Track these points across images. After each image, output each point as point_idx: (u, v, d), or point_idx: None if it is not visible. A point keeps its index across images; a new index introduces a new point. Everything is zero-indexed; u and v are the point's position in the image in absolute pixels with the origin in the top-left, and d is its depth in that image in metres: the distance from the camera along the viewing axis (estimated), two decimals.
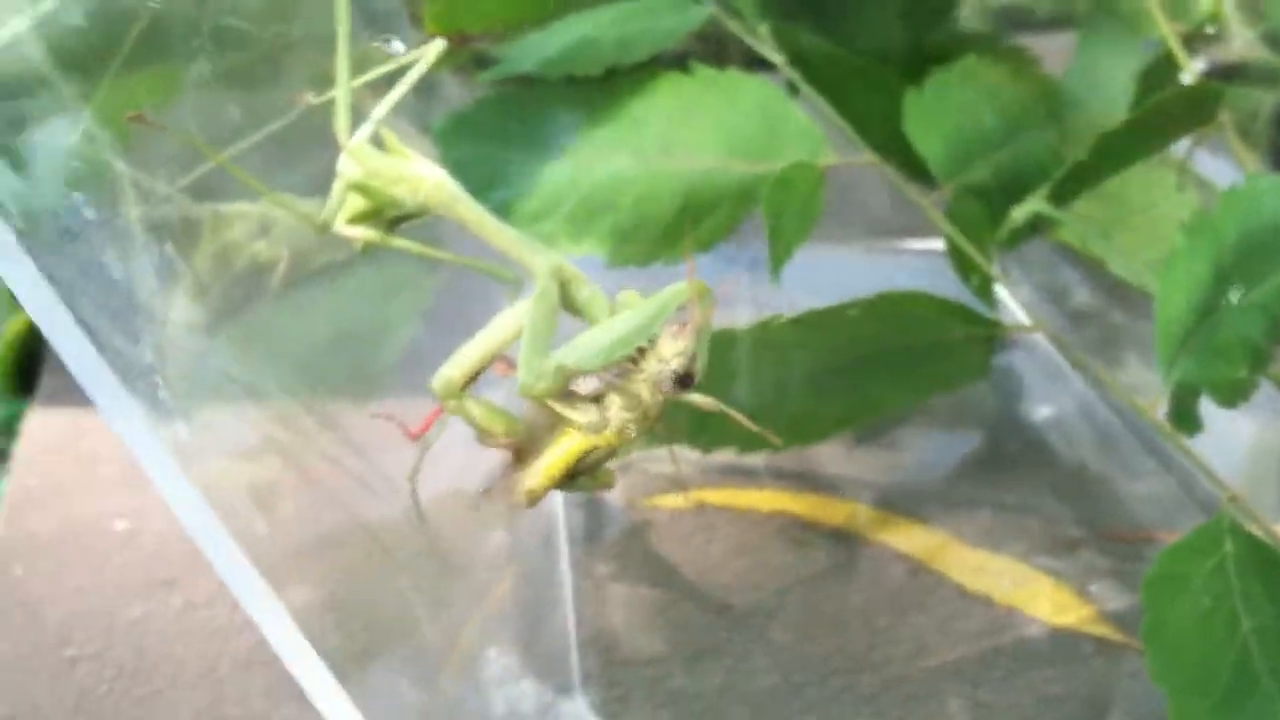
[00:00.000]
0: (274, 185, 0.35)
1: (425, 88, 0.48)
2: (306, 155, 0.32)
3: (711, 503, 0.44)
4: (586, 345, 0.26)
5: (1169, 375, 0.38)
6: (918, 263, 0.45)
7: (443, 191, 0.29)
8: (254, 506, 0.24)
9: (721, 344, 0.41)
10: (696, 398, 0.27)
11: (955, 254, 0.42)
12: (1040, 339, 0.51)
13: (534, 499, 0.27)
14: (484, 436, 0.27)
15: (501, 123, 0.43)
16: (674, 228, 0.42)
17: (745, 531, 0.43)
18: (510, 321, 0.28)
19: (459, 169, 0.42)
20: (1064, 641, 0.40)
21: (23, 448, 0.49)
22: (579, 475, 0.27)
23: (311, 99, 0.33)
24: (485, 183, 0.42)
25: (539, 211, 0.42)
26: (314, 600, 0.25)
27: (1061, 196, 0.44)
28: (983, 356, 0.43)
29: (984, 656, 0.39)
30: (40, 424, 0.50)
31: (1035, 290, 0.55)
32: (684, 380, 0.26)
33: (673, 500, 0.44)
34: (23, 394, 0.52)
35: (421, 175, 0.29)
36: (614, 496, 0.44)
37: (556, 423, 0.27)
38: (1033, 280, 0.55)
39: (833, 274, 0.55)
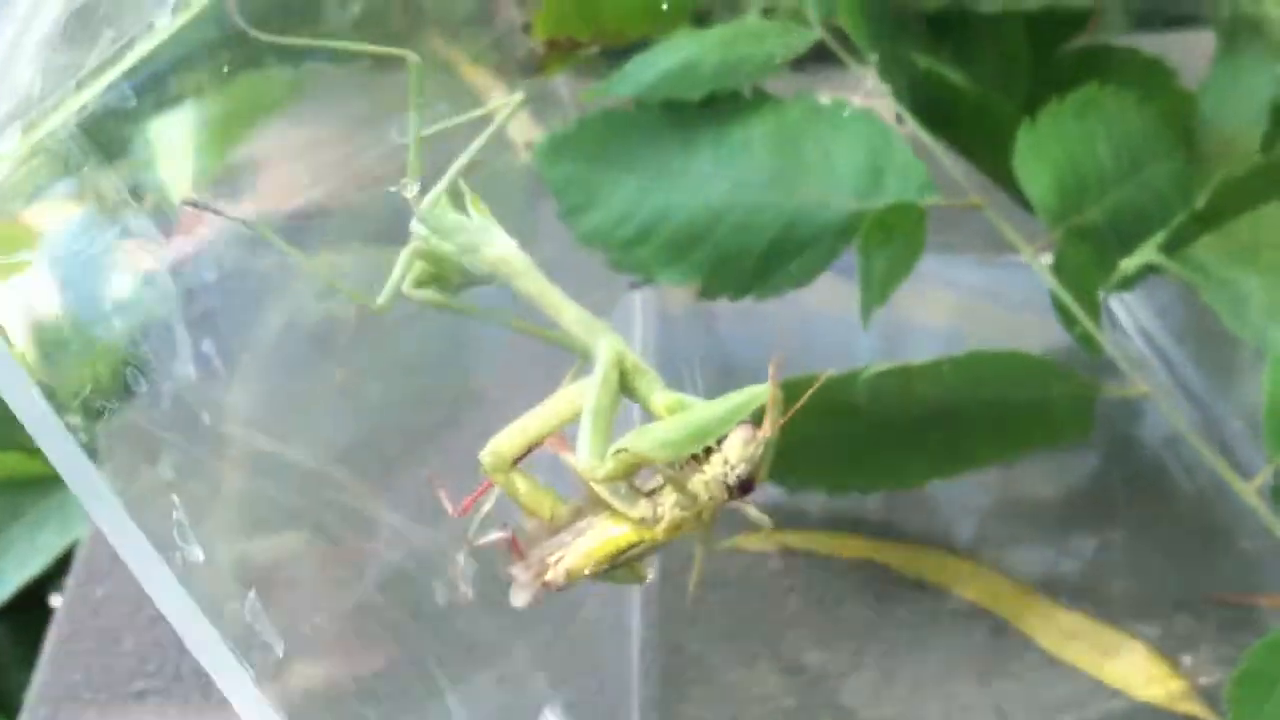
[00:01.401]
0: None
1: (541, 94, 0.47)
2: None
3: (793, 546, 0.43)
4: (658, 435, 0.25)
5: (1276, 451, 0.36)
6: (1031, 274, 0.44)
7: (507, 265, 0.28)
8: (265, 609, 0.23)
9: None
10: (750, 509, 0.26)
11: (1059, 306, 0.41)
12: (1157, 363, 0.49)
13: (567, 582, 0.27)
14: (527, 513, 0.27)
15: (601, 145, 0.42)
16: (768, 262, 0.41)
17: (827, 581, 0.43)
18: (569, 399, 0.27)
19: (557, 189, 0.42)
20: (1150, 718, 0.38)
21: None
22: (617, 567, 0.27)
23: (396, 138, 0.32)
24: (581, 205, 0.42)
25: (633, 238, 0.41)
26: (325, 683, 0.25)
27: (1177, 244, 0.41)
28: (1084, 416, 0.41)
29: None
30: None
31: (1162, 308, 0.53)
32: (745, 486, 0.25)
33: (754, 542, 0.43)
34: None
35: (486, 246, 0.28)
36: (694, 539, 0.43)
37: (604, 510, 0.26)
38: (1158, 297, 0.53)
39: (945, 284, 0.54)
